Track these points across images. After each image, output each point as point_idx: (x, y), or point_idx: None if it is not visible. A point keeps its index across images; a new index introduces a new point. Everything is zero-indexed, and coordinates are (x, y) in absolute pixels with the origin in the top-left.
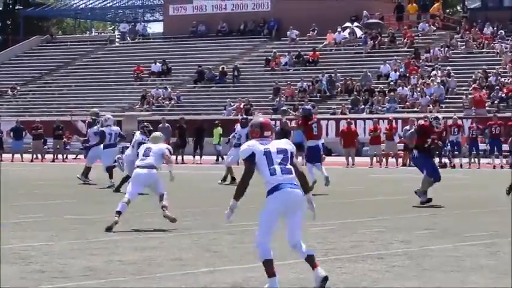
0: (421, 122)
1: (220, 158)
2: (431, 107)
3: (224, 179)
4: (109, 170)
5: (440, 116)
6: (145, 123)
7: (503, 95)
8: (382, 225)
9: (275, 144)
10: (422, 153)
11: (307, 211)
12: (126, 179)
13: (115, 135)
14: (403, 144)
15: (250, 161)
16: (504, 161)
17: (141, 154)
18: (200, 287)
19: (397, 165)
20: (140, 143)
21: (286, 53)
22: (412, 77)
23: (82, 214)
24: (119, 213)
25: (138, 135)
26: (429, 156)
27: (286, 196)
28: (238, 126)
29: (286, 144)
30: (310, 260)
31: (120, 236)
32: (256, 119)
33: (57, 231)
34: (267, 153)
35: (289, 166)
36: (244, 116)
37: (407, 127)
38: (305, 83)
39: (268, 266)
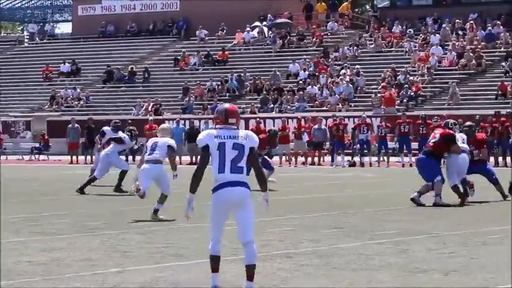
0: (447, 130)
1: (132, 158)
2: (340, 105)
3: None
4: None
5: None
6: (132, 127)
7: (412, 94)
8: (291, 224)
9: (234, 138)
10: (434, 159)
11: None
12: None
13: None
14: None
15: (205, 152)
16: (413, 159)
17: (148, 149)
18: (109, 287)
19: (306, 164)
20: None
21: (196, 53)
22: (321, 76)
23: None
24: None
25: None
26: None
27: (228, 194)
28: (108, 130)
29: (245, 138)
30: (249, 269)
31: (29, 236)
32: (223, 105)
33: None
34: (221, 147)
35: (241, 164)
36: (117, 120)
37: (316, 126)
38: (214, 83)
39: (213, 262)
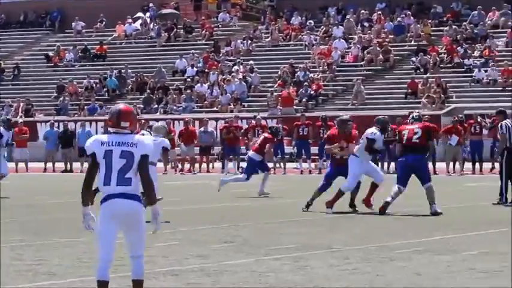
0: (425, 123)
1: None
2: (232, 106)
3: None
4: None
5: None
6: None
7: (313, 92)
8: (176, 238)
9: (123, 144)
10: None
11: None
12: None
13: None
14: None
15: (92, 160)
16: (313, 165)
17: None
18: None
19: (194, 171)
20: None
21: (71, 47)
22: (211, 72)
23: None
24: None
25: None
26: None
27: (116, 206)
28: (3, 130)
29: (136, 145)
30: (136, 285)
31: None
32: (117, 105)
33: None
34: (107, 156)
35: (128, 175)
36: (8, 117)
37: (202, 129)
38: (92, 80)
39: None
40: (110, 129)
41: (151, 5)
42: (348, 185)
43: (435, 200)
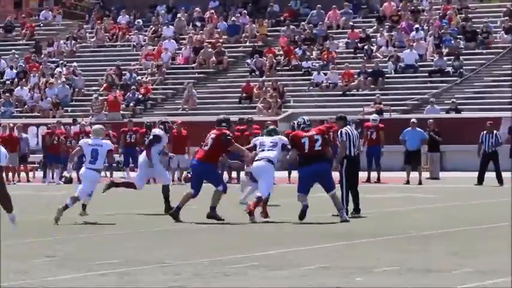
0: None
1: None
2: (53, 111)
3: None
4: None
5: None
6: (165, 119)
7: (141, 96)
8: None
9: None
10: None
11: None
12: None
13: None
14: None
15: None
16: (132, 174)
17: (88, 156)
18: None
19: (13, 180)
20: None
21: None
22: (32, 75)
23: None
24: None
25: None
26: None
27: None
28: None
29: None
30: None
31: None
32: None
33: None
34: None
35: None
36: None
37: (24, 135)
38: None
39: None
40: None
41: None
42: (266, 191)
43: (342, 207)
